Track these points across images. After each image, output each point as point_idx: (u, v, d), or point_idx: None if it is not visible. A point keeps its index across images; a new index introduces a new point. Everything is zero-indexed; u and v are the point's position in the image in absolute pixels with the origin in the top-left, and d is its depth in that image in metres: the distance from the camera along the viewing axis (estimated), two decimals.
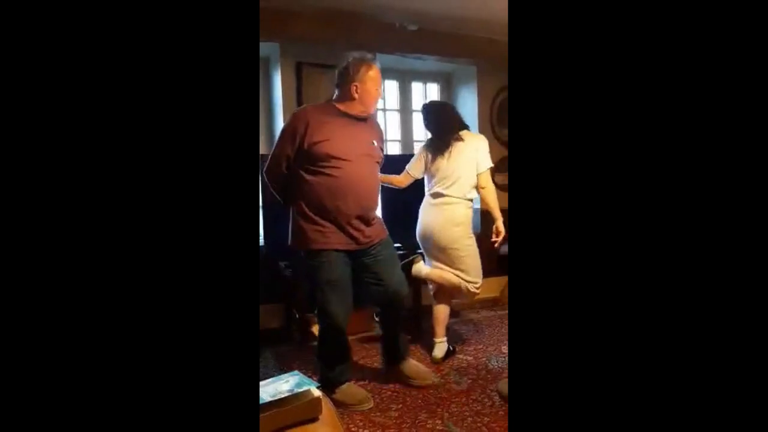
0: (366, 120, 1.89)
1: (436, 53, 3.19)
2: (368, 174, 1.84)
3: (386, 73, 3.39)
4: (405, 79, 3.52)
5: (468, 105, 3.56)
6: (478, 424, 1.72)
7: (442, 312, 2.33)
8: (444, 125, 2.25)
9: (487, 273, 3.47)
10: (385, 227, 1.97)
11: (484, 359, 2.33)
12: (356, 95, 1.81)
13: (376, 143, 1.89)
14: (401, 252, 2.37)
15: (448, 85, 3.70)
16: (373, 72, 1.84)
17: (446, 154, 2.20)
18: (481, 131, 3.45)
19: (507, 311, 3.03)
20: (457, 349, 2.44)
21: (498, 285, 3.37)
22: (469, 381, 2.08)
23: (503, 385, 1.78)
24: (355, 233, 1.82)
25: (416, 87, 3.59)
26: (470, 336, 2.69)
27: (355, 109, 1.84)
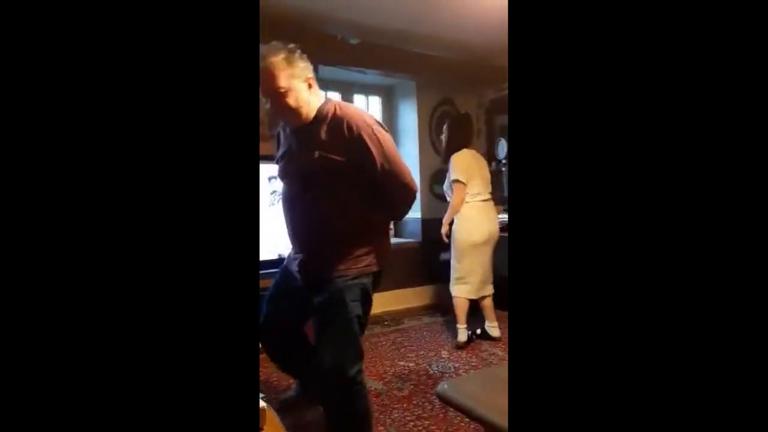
0: (306, 129, 1.35)
1: (377, 67, 3.27)
2: (294, 196, 1.40)
3: (329, 84, 3.43)
4: (348, 91, 3.57)
5: (408, 118, 3.67)
6: (420, 428, 1.77)
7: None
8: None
9: (428, 280, 3.57)
10: (342, 265, 1.34)
11: (425, 365, 2.39)
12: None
13: (318, 153, 1.32)
14: None
15: (390, 98, 3.80)
16: (262, 66, 1.26)
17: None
18: (421, 144, 3.57)
19: (445, 317, 3.13)
20: (401, 355, 2.49)
21: (436, 291, 3.48)
22: (411, 387, 2.13)
23: (442, 388, 1.85)
24: (299, 263, 1.43)
25: (358, 99, 3.65)
26: (411, 342, 2.75)
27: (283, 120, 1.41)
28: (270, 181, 2.48)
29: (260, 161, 2.68)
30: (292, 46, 1.31)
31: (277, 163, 1.50)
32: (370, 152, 1.29)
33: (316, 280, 1.38)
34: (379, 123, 1.37)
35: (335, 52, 3.05)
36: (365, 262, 1.37)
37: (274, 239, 2.47)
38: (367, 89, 3.68)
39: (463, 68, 3.56)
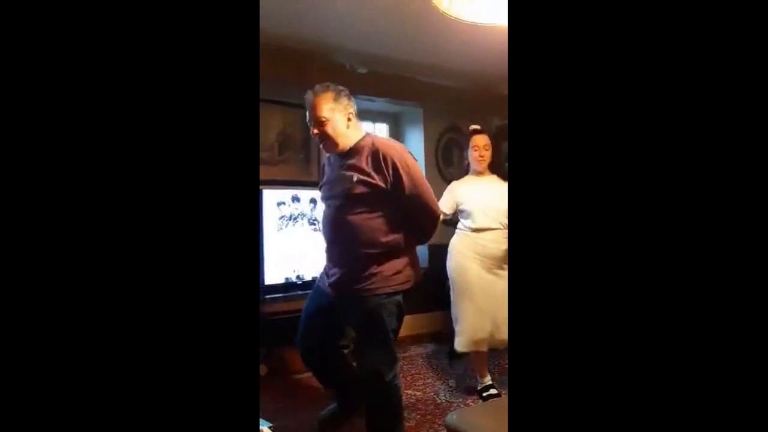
0: (346, 158, 1.56)
1: (385, 95, 3.33)
2: (335, 216, 1.57)
3: None
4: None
5: (415, 144, 3.71)
6: None
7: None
8: None
9: (434, 307, 3.54)
10: (378, 283, 1.51)
11: (432, 394, 2.35)
12: None
13: (356, 177, 1.52)
14: None
15: (397, 124, 3.85)
16: (308, 99, 1.56)
17: None
18: (427, 169, 3.60)
19: (451, 345, 3.07)
20: (408, 384, 2.44)
21: (442, 318, 3.43)
22: (418, 416, 2.08)
23: (451, 419, 1.81)
24: (335, 280, 1.60)
25: (366, 126, 3.70)
26: (417, 370, 2.70)
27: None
28: (279, 206, 2.49)
29: (269, 187, 2.68)
30: (342, 88, 1.60)
31: (320, 189, 1.73)
32: (401, 178, 1.50)
33: (350, 296, 1.54)
34: (408, 153, 1.58)
35: (344, 80, 3.10)
36: (399, 279, 1.54)
37: (282, 264, 2.48)
38: (374, 116, 3.73)
39: (468, 96, 3.62)
